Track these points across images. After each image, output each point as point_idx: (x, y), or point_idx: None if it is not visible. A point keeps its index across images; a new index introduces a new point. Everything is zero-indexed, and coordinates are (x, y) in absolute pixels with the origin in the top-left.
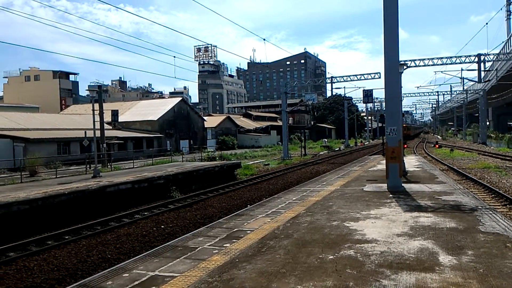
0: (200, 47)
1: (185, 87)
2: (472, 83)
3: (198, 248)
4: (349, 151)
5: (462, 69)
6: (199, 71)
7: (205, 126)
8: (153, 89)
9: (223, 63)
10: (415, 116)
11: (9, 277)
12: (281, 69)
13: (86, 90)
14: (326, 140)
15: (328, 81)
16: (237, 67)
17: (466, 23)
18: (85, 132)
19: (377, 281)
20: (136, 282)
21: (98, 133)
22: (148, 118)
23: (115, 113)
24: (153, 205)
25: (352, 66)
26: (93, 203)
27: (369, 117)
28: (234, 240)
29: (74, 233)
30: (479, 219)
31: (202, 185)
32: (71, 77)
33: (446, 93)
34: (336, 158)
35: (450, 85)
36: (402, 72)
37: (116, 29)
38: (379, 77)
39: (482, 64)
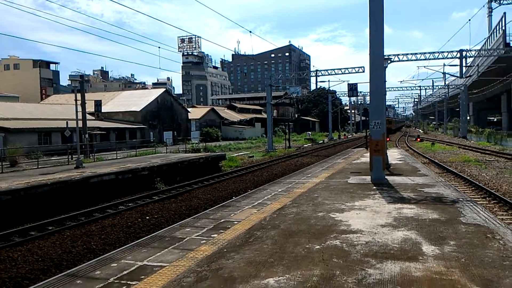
0: (184, 38)
1: (168, 78)
2: (453, 78)
3: (186, 239)
4: (333, 144)
5: (444, 64)
6: (183, 62)
7: (189, 118)
8: (135, 79)
9: (208, 55)
10: (397, 110)
11: None
12: (265, 62)
13: (68, 80)
14: (310, 133)
15: (313, 74)
16: (222, 59)
17: (449, 19)
18: (67, 122)
19: (363, 270)
20: (125, 272)
21: (80, 124)
22: (131, 109)
23: (98, 104)
24: (138, 196)
25: (336, 59)
26: (76, 194)
27: (353, 111)
28: (222, 231)
29: (58, 224)
30: (461, 211)
31: (186, 177)
32: (52, 67)
33: (428, 87)
34: (320, 151)
35: (432, 80)
36: (387, 67)
37: (98, 18)
38: (363, 71)
39: (464, 59)
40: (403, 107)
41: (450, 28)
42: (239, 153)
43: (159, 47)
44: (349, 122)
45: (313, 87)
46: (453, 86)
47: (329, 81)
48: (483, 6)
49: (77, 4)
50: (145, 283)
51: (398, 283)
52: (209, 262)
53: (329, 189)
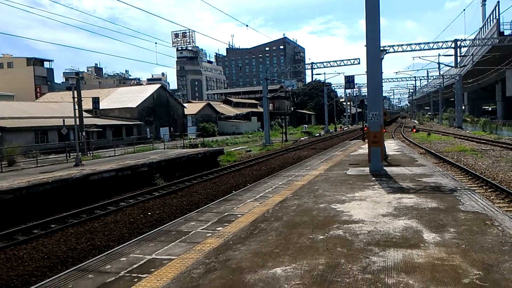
0: (178, 32)
1: (163, 74)
2: (448, 68)
3: (192, 232)
4: (329, 137)
5: (439, 55)
6: (177, 57)
7: (185, 113)
8: (130, 75)
9: (202, 49)
10: (393, 101)
11: None
12: (260, 55)
13: (62, 77)
14: (306, 126)
15: (308, 67)
16: (216, 53)
17: (442, 9)
18: (64, 120)
19: (366, 258)
20: (135, 265)
21: (77, 121)
22: (127, 105)
23: (96, 101)
24: (138, 193)
25: (330, 51)
26: (77, 192)
27: (348, 103)
28: (226, 224)
29: (60, 221)
30: (459, 199)
31: (185, 172)
32: (46, 64)
33: (423, 78)
34: (317, 144)
35: (427, 70)
36: (383, 58)
37: (91, 14)
38: (359, 63)
39: (458, 49)
40: (399, 98)
41: (443, 18)
42: (237, 148)
43: (155, 43)
44: (344, 114)
45: (308, 79)
46: (448, 76)
47: (324, 73)
48: None
49: (69, 1)
50: (155, 276)
51: (401, 269)
52: (217, 254)
53: (329, 181)
